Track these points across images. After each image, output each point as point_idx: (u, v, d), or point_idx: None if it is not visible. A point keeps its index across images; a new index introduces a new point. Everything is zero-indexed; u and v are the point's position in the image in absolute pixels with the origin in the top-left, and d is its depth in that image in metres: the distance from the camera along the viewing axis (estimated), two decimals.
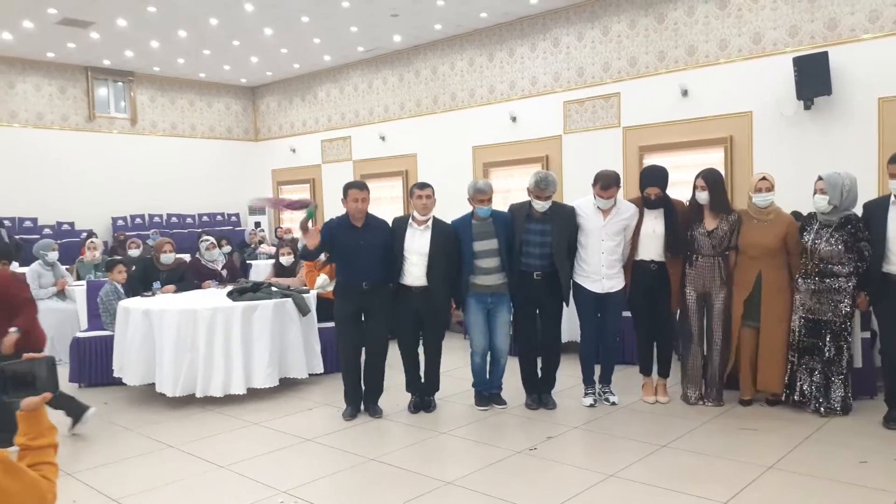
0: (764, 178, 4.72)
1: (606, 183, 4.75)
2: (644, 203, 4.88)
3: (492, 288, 4.88)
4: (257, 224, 14.43)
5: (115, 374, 5.73)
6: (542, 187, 4.75)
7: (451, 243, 4.87)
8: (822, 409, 4.53)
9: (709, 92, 8.99)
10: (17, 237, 11.30)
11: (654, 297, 4.91)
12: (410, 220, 4.90)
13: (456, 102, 11.82)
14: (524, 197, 4.96)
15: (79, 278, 7.87)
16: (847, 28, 7.95)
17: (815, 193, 4.53)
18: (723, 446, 4.11)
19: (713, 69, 8.99)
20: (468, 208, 4.99)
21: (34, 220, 12.25)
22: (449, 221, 5.02)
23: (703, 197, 4.79)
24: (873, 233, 4.35)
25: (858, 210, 4.55)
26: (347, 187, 4.90)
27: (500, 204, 5.44)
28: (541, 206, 4.79)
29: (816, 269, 4.52)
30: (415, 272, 4.85)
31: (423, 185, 4.95)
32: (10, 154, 12.19)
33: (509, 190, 9.86)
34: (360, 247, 4.81)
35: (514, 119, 10.98)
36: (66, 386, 5.92)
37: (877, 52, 7.74)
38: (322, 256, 5.32)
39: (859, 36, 7.88)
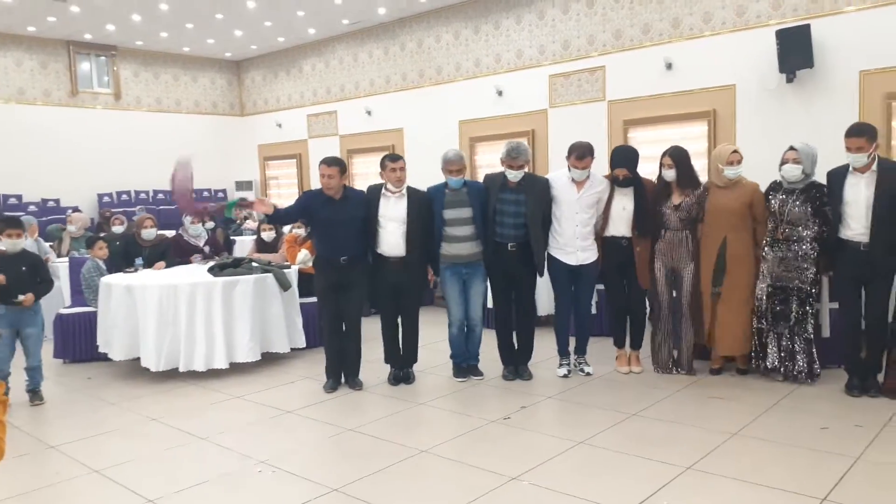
0: (735, 151, 4.79)
1: (581, 153, 4.81)
2: (614, 181, 4.94)
3: (465, 258, 4.94)
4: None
5: (101, 350, 5.78)
6: (514, 156, 4.80)
7: (426, 210, 4.93)
8: (791, 375, 4.64)
9: (693, 65, 8.98)
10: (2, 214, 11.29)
11: (625, 272, 5.00)
12: (384, 190, 4.94)
13: (442, 76, 11.76)
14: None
15: (61, 255, 7.87)
16: (830, 0, 7.94)
17: (783, 163, 4.62)
18: (690, 414, 4.22)
19: (697, 42, 8.97)
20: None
21: (19, 197, 12.19)
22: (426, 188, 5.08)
23: (670, 175, 4.87)
24: (832, 199, 4.47)
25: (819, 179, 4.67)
26: (320, 163, 4.94)
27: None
28: (513, 175, 4.84)
29: (783, 233, 4.61)
30: (391, 240, 4.89)
31: (395, 158, 4.95)
32: None
33: (494, 164, 9.85)
34: (337, 220, 4.85)
35: (499, 93, 10.95)
36: (50, 361, 5.99)
37: (859, 25, 7.74)
38: (301, 232, 5.37)
39: (842, 8, 7.87)
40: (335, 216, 4.86)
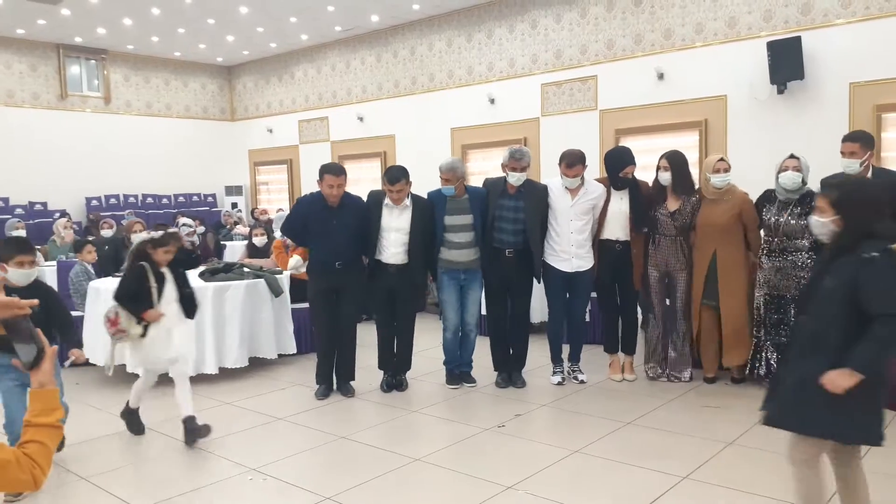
0: (722, 160, 4.84)
1: (571, 161, 4.82)
2: (612, 184, 4.94)
3: (465, 264, 4.92)
4: (234, 205, 14.33)
5: (87, 355, 5.69)
6: (518, 157, 4.81)
7: (429, 219, 4.91)
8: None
9: (685, 75, 9.04)
10: None
11: (618, 276, 5.00)
12: (387, 200, 4.90)
13: (434, 83, 11.76)
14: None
15: (49, 259, 7.78)
16: (820, 13, 8.02)
17: (782, 171, 4.60)
18: (685, 423, 4.20)
19: (689, 53, 9.02)
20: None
21: (5, 200, 12.06)
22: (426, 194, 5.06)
23: (665, 178, 4.87)
24: None
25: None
26: (324, 171, 4.81)
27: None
28: (516, 178, 4.82)
29: (779, 245, 4.62)
30: (393, 249, 4.87)
31: (394, 180, 4.78)
32: None
33: (487, 171, 9.86)
34: (333, 227, 4.81)
35: (492, 101, 10.96)
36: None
37: (849, 38, 7.81)
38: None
39: (832, 21, 7.95)
40: (332, 224, 4.81)
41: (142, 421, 4.36)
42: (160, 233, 4.22)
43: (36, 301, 1.73)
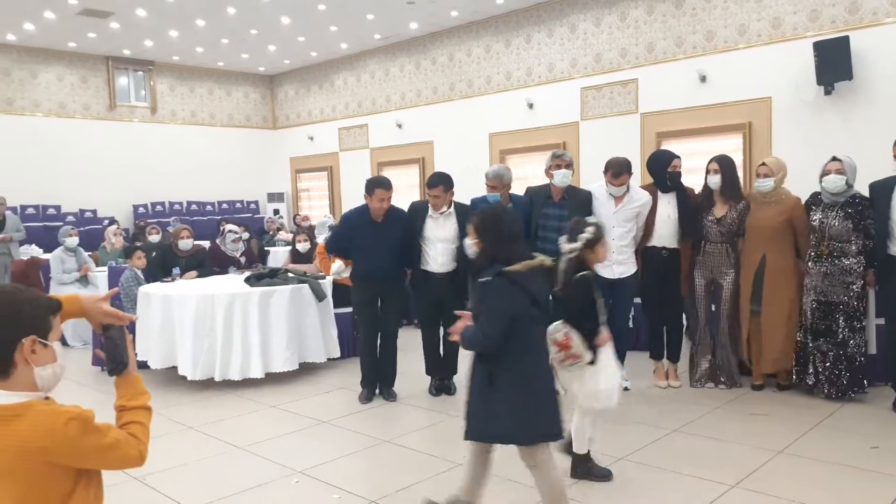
0: (763, 164, 4.76)
1: (618, 171, 4.77)
2: (659, 186, 4.89)
3: None
4: (276, 211, 14.57)
5: (139, 357, 5.83)
6: (559, 154, 4.84)
7: None
8: (836, 393, 4.52)
9: (727, 77, 8.90)
10: (41, 224, 11.56)
11: (664, 283, 4.94)
12: (430, 211, 4.93)
13: (472, 89, 11.80)
14: (542, 183, 5.01)
15: (100, 264, 8.02)
16: (869, 12, 7.82)
17: (825, 174, 4.52)
18: (733, 431, 4.13)
19: (732, 54, 8.88)
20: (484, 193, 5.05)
21: (57, 208, 12.46)
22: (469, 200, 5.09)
23: (715, 181, 4.80)
24: (878, 213, 4.36)
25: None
26: (374, 185, 4.80)
27: (518, 191, 5.47)
28: (562, 175, 4.80)
29: (826, 249, 4.51)
30: (440, 259, 4.89)
31: (431, 184, 4.85)
32: (34, 143, 12.40)
33: (526, 177, 9.86)
34: (378, 242, 4.85)
35: (530, 106, 10.95)
36: (89, 369, 6.08)
37: None
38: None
39: (881, 20, 7.75)
40: (377, 239, 4.84)
41: (600, 465, 3.60)
42: (592, 228, 3.31)
43: (135, 317, 1.92)
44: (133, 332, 5.95)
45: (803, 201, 4.74)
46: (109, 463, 1.67)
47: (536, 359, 2.82)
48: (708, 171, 4.85)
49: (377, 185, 4.81)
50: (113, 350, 1.80)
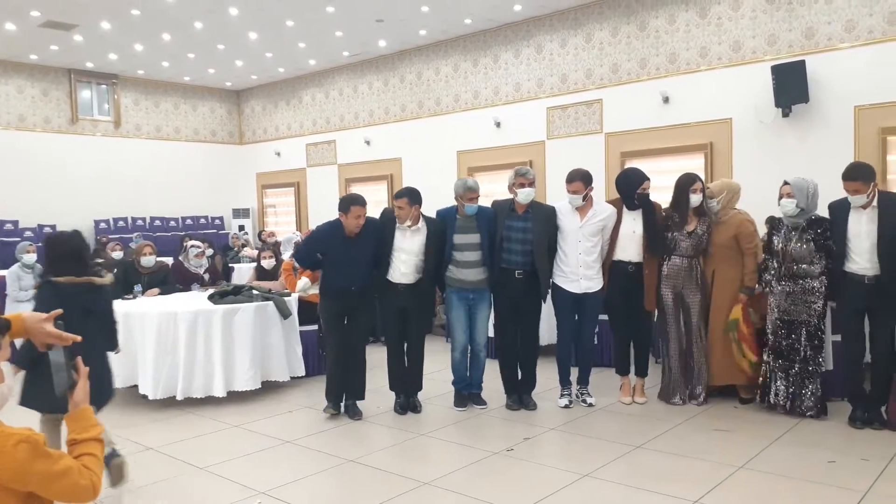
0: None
1: (571, 177, 4.93)
2: (626, 204, 4.97)
3: (473, 283, 4.95)
4: (241, 227, 14.41)
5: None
6: (523, 172, 4.92)
7: (440, 240, 4.96)
8: (798, 410, 4.61)
9: (690, 99, 9.10)
10: None
11: (630, 298, 5.00)
12: (398, 221, 4.95)
13: (441, 107, 11.87)
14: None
15: None
16: (824, 37, 8.09)
17: (780, 198, 4.66)
18: (696, 447, 4.18)
19: (694, 76, 9.10)
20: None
21: (15, 223, 12.15)
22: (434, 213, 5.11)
23: (696, 199, 4.89)
24: (835, 233, 4.49)
25: (821, 213, 4.70)
26: (350, 203, 4.80)
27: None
28: (525, 193, 4.87)
29: (789, 271, 4.62)
30: (402, 269, 4.91)
31: (398, 196, 4.94)
32: None
33: (494, 194, 9.90)
34: (351, 256, 4.85)
35: (498, 124, 11.05)
36: None
37: (853, 61, 7.87)
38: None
39: (836, 45, 8.01)
40: (349, 254, 4.84)
41: None
42: None
43: (79, 337, 1.86)
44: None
45: (758, 220, 4.89)
46: (59, 492, 1.61)
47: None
48: (693, 191, 4.93)
49: (353, 202, 4.81)
50: (57, 373, 1.77)
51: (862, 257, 4.37)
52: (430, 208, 5.27)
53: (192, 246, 7.29)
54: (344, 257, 4.84)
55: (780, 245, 4.65)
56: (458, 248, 4.92)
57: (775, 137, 8.39)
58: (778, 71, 8.11)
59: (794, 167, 7.53)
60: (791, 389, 4.65)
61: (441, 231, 4.96)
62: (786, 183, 4.66)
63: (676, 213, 4.96)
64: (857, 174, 4.36)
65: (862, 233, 4.37)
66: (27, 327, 1.82)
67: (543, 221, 4.92)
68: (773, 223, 4.82)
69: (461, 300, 4.99)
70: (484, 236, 4.91)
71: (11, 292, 7.24)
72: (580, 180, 4.90)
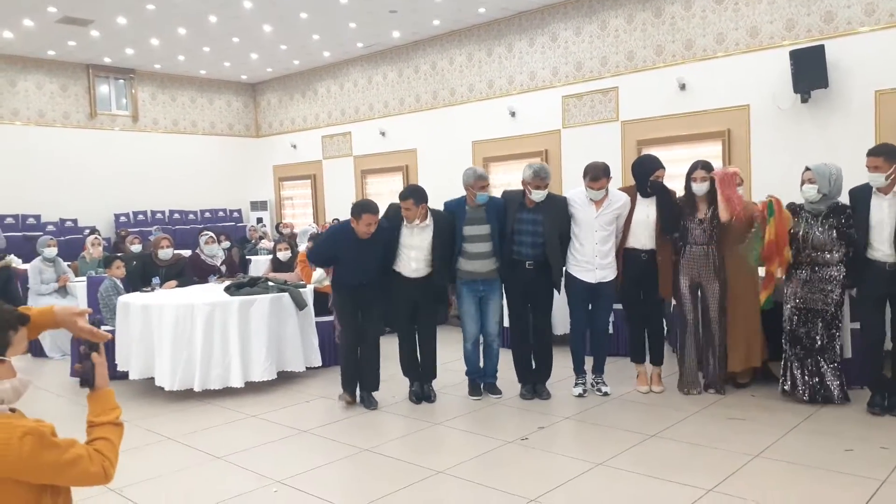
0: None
1: (595, 174, 4.81)
2: (640, 191, 4.94)
3: (483, 274, 4.94)
4: (259, 220, 14.52)
5: (120, 368, 5.77)
6: (542, 176, 4.83)
7: (449, 233, 4.94)
8: (819, 398, 4.57)
9: (706, 86, 9.01)
10: (21, 234, 11.44)
11: (643, 286, 4.97)
12: (404, 220, 4.95)
13: (455, 97, 11.85)
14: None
15: (79, 274, 7.94)
16: (843, 21, 7.96)
17: (802, 184, 4.59)
18: (711, 435, 4.16)
19: (711, 63, 9.00)
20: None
21: (37, 217, 12.35)
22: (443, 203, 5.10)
23: (702, 188, 4.83)
24: (857, 219, 4.42)
25: (843, 199, 4.62)
26: (362, 210, 4.77)
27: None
28: (539, 195, 4.84)
29: (808, 258, 4.57)
30: (413, 265, 4.92)
31: (401, 196, 4.90)
32: (13, 152, 12.29)
33: (509, 184, 9.89)
34: (363, 257, 4.88)
35: (513, 114, 11.01)
36: (67, 381, 6.02)
37: (873, 45, 7.74)
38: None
39: (856, 29, 7.89)
40: (362, 254, 4.87)
41: None
42: None
43: (110, 336, 1.92)
44: (112, 342, 5.92)
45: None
46: (70, 479, 1.64)
47: None
48: (694, 179, 4.88)
49: (365, 209, 4.79)
50: (88, 366, 1.84)
51: (884, 244, 4.30)
52: (446, 199, 5.27)
53: (203, 233, 7.46)
54: (356, 258, 4.89)
55: (801, 232, 4.60)
56: (468, 240, 4.91)
57: (794, 124, 8.28)
58: (796, 56, 8.00)
59: (813, 154, 7.42)
60: (808, 379, 4.60)
61: (449, 224, 4.94)
62: (807, 169, 4.60)
63: (685, 202, 4.93)
64: (882, 150, 4.30)
65: (884, 220, 4.29)
66: (58, 320, 1.84)
67: (555, 214, 4.88)
68: (793, 210, 4.76)
69: (471, 292, 5.00)
70: (494, 227, 4.90)
71: (33, 286, 7.37)
72: (606, 177, 4.81)
